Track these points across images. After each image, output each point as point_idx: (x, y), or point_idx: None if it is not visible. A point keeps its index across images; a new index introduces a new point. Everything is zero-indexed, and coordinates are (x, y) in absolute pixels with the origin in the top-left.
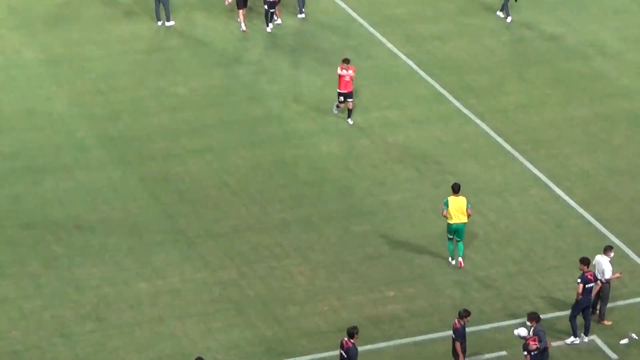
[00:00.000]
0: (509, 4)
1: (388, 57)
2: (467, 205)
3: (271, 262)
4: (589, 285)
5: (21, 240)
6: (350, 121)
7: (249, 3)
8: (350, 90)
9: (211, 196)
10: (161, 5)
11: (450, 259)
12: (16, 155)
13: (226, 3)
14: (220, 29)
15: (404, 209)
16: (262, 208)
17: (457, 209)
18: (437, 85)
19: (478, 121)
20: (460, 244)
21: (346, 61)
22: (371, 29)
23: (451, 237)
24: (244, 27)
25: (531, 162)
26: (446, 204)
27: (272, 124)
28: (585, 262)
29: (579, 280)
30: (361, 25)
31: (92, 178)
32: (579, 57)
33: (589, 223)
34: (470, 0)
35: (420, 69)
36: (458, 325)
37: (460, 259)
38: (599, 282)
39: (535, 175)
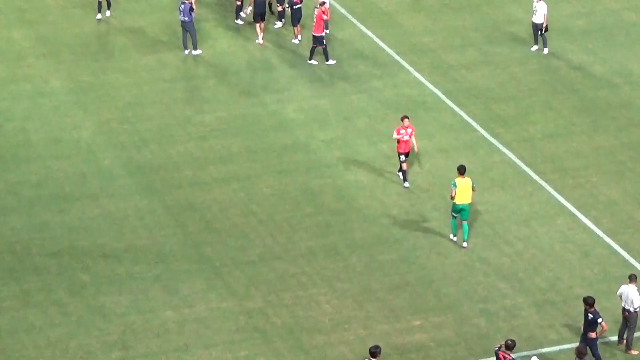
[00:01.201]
0: (546, 35)
1: (415, 86)
2: (472, 185)
3: (297, 290)
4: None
5: (47, 268)
6: (406, 184)
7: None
8: (409, 150)
9: (237, 224)
10: (188, 34)
11: (452, 235)
12: (43, 183)
13: (243, 15)
14: (247, 57)
15: (430, 237)
16: (289, 236)
17: (464, 190)
18: (463, 114)
19: (505, 150)
20: (465, 225)
21: (406, 119)
22: (398, 58)
23: (455, 215)
24: (260, 40)
25: (558, 191)
26: (454, 185)
27: (298, 152)
28: (589, 301)
29: (600, 319)
30: (388, 54)
31: (119, 206)
32: (606, 85)
33: (616, 252)
34: (497, 29)
35: (447, 97)
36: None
37: (465, 243)
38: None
39: (562, 204)
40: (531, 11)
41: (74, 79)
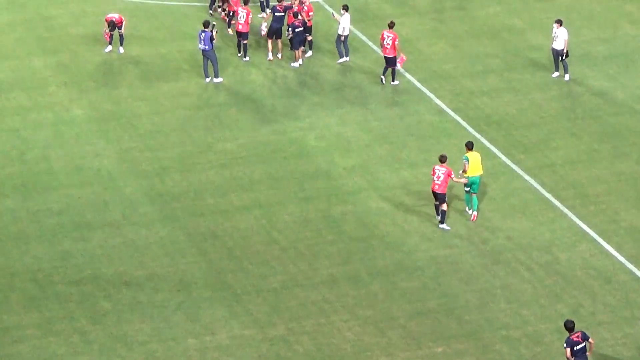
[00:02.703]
0: (566, 61)
1: (436, 113)
2: (481, 159)
3: (319, 318)
4: (578, 347)
5: (69, 296)
6: (446, 227)
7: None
8: (441, 192)
9: (259, 252)
10: (209, 62)
11: (467, 208)
12: (64, 211)
13: (262, 34)
14: (268, 84)
15: (452, 264)
16: (310, 264)
17: (475, 163)
18: (485, 141)
19: (526, 176)
20: (475, 198)
21: (443, 159)
22: (419, 85)
23: (468, 189)
24: (270, 57)
25: (580, 218)
26: (467, 159)
27: (320, 179)
28: (569, 326)
29: (564, 345)
30: (409, 80)
31: (140, 234)
32: (627, 111)
33: (638, 279)
34: (518, 56)
35: (468, 124)
36: None
37: (474, 212)
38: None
39: (584, 230)
40: (551, 37)
41: (96, 107)
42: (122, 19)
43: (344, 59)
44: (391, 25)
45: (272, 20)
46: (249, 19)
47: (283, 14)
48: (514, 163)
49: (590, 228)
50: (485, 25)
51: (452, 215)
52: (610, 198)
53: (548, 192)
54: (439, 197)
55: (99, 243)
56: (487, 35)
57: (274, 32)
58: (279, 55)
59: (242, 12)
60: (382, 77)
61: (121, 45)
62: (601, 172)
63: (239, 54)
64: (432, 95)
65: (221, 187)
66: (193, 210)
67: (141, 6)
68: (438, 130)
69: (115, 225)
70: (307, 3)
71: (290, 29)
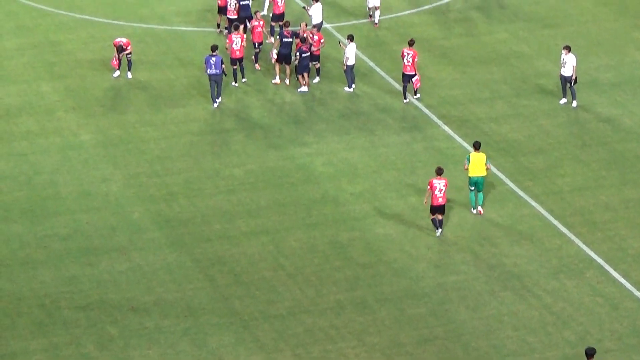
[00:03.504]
0: (575, 87)
1: (443, 139)
2: (486, 161)
3: (326, 344)
4: None
5: (76, 321)
6: (439, 233)
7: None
8: (444, 203)
9: (266, 278)
10: (216, 87)
11: (472, 208)
12: (72, 236)
13: (273, 60)
14: (276, 110)
15: (459, 291)
16: (317, 290)
17: (478, 164)
18: (492, 167)
19: (533, 203)
20: (481, 194)
21: (439, 172)
22: (426, 111)
23: (472, 188)
24: (277, 80)
25: (587, 244)
26: (468, 159)
27: (327, 205)
28: (590, 352)
29: None
30: (417, 107)
31: (148, 259)
32: (635, 138)
33: None
34: (526, 82)
35: None
36: None
37: (480, 208)
38: None
39: (591, 257)
40: (559, 64)
41: (103, 133)
42: (129, 43)
43: (349, 89)
44: (411, 43)
45: (281, 46)
46: (244, 45)
47: (290, 39)
48: (521, 189)
49: (598, 255)
50: (493, 51)
51: (459, 242)
52: (618, 225)
53: (555, 218)
54: (441, 210)
55: (106, 268)
56: (495, 62)
57: (283, 58)
58: (287, 81)
59: (236, 38)
60: (406, 94)
61: (129, 70)
62: (609, 199)
63: (234, 83)
64: (439, 122)
65: (228, 213)
66: (200, 236)
67: (149, 31)
68: (446, 156)
69: (122, 251)
70: (316, 31)
71: (297, 53)
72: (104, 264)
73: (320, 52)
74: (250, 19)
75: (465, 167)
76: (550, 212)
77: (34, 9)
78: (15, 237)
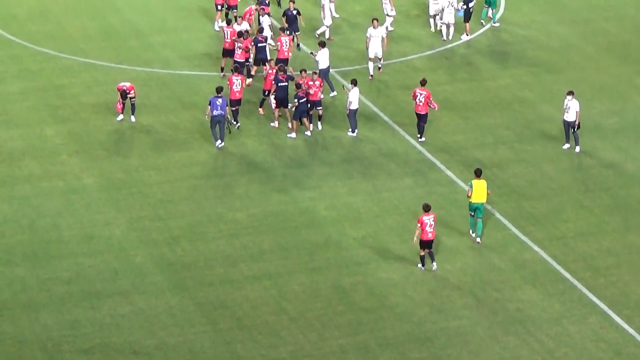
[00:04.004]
0: (578, 133)
1: (446, 184)
2: (487, 187)
3: None
4: None
5: None
6: (434, 266)
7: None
8: (434, 238)
9: (269, 322)
10: (218, 127)
11: (471, 232)
12: (74, 279)
13: (273, 105)
14: (279, 155)
15: (461, 335)
16: (320, 334)
17: (479, 190)
18: (495, 212)
19: (536, 248)
20: (480, 222)
21: (427, 208)
22: (429, 156)
23: (472, 214)
24: (276, 124)
25: (590, 290)
26: (471, 186)
27: (330, 249)
28: None
29: None
30: (419, 151)
31: (150, 303)
32: (637, 184)
33: None
34: (529, 127)
35: None
36: None
37: (478, 239)
38: None
39: (594, 302)
40: (562, 109)
41: (106, 176)
42: (132, 87)
43: (352, 133)
44: (423, 83)
45: (277, 90)
46: (243, 87)
47: (286, 83)
48: (524, 234)
49: (601, 300)
50: (496, 97)
51: (462, 287)
52: (621, 270)
53: (558, 263)
54: (430, 245)
55: (108, 312)
56: (498, 107)
57: (280, 102)
58: (289, 125)
59: (236, 80)
60: (419, 135)
61: (132, 114)
62: (611, 244)
63: (234, 122)
64: (442, 166)
65: (231, 257)
66: (203, 280)
67: (152, 75)
68: (448, 201)
69: (124, 294)
70: (317, 77)
71: (295, 99)
72: (106, 307)
73: (321, 97)
74: (266, 60)
75: (469, 195)
76: (553, 257)
77: (38, 52)
78: (17, 280)
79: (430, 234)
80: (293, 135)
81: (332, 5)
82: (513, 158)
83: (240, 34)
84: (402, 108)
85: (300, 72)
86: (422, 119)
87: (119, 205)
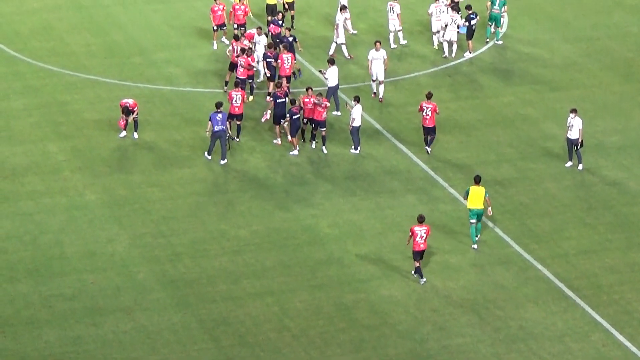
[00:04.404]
0: (580, 151)
1: (449, 201)
2: (485, 194)
3: None
4: None
5: None
6: (423, 281)
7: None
8: (425, 249)
9: (271, 339)
10: (218, 142)
11: (473, 244)
12: (77, 296)
13: (263, 120)
14: (282, 172)
15: (464, 353)
16: (322, 352)
17: (477, 197)
18: (498, 230)
19: (539, 266)
20: (479, 225)
21: (421, 219)
22: (432, 173)
23: (473, 221)
24: (278, 141)
25: (593, 308)
26: (467, 192)
27: (332, 267)
28: None
29: None
30: (422, 169)
31: (152, 320)
32: None
33: None
34: (532, 145)
35: None
36: None
37: (475, 245)
38: None
39: (596, 320)
40: (566, 127)
41: (109, 193)
42: (135, 104)
43: (355, 150)
44: (429, 96)
45: (275, 107)
46: (244, 101)
47: (284, 99)
48: (527, 252)
49: (603, 318)
50: (500, 114)
51: (464, 304)
52: (623, 288)
53: (561, 281)
54: (422, 255)
55: (111, 329)
56: (501, 125)
57: (279, 118)
58: (289, 139)
59: (236, 95)
60: (427, 148)
61: (135, 130)
62: (614, 262)
63: (236, 139)
64: (445, 184)
65: (233, 274)
66: (205, 297)
67: (155, 92)
68: (451, 218)
69: (127, 311)
70: (323, 97)
71: (288, 114)
72: (108, 324)
73: (326, 119)
74: (284, 117)
75: (465, 200)
76: (556, 274)
77: (41, 69)
78: (20, 297)
79: (422, 245)
80: (295, 152)
81: (349, 22)
82: (516, 175)
83: (243, 51)
84: (405, 125)
85: (307, 89)
86: (429, 132)
87: (122, 221)
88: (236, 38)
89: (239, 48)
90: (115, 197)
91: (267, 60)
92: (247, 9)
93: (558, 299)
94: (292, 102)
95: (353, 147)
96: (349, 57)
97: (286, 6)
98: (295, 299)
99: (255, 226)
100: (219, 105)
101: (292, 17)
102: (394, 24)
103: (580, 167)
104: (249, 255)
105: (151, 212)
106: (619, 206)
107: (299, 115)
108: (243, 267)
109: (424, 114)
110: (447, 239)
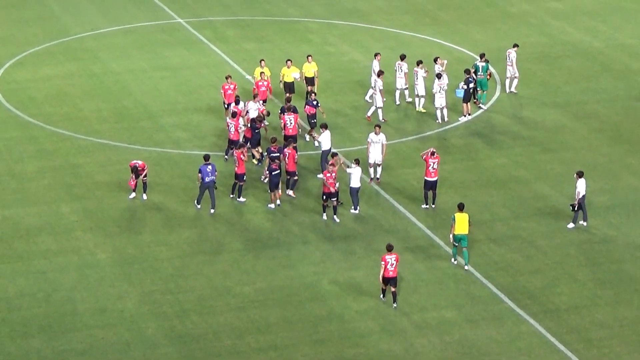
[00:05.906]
0: (584, 207)
1: (446, 259)
2: (469, 219)
3: None
4: None
5: None
6: (394, 305)
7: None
8: (395, 276)
9: None
10: (207, 193)
11: (452, 259)
12: (88, 351)
13: (263, 179)
14: (285, 231)
15: None
16: None
17: (462, 223)
18: (491, 286)
19: (532, 321)
20: (465, 252)
21: (390, 248)
22: (429, 232)
23: (456, 244)
24: (272, 206)
25: None
26: (454, 219)
27: (333, 322)
28: None
29: None
30: (419, 228)
31: None
32: (629, 259)
33: None
34: (524, 205)
35: (476, 270)
36: None
37: (466, 266)
38: None
39: None
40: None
41: (119, 252)
42: (144, 165)
43: (355, 210)
44: (433, 153)
45: (270, 179)
46: (244, 161)
47: (278, 154)
48: (519, 308)
49: None
50: (493, 175)
51: (461, 358)
52: (613, 342)
53: (552, 336)
54: (392, 282)
55: None
56: (494, 185)
57: (275, 185)
58: (290, 192)
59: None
60: (432, 204)
61: (144, 192)
62: (604, 317)
63: (231, 195)
64: (441, 243)
65: (238, 329)
66: (211, 352)
67: (164, 155)
68: (447, 275)
69: None
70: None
71: (267, 171)
72: None
73: (338, 190)
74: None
75: (452, 227)
76: (548, 329)
77: (54, 133)
78: (33, 352)
79: (391, 272)
80: (272, 206)
81: (380, 82)
82: (509, 234)
83: (234, 115)
84: (403, 187)
85: (332, 156)
86: (432, 186)
87: (131, 279)
88: (233, 116)
89: (232, 111)
90: (125, 255)
91: (271, 155)
92: (269, 85)
93: (550, 353)
94: (272, 159)
95: (352, 207)
96: (383, 121)
97: (306, 83)
98: (298, 354)
99: (259, 283)
100: (207, 157)
101: (312, 92)
102: (400, 82)
103: (570, 225)
104: (253, 311)
105: (160, 270)
106: (608, 263)
107: (278, 171)
108: (247, 322)
109: (429, 169)
110: (441, 294)
